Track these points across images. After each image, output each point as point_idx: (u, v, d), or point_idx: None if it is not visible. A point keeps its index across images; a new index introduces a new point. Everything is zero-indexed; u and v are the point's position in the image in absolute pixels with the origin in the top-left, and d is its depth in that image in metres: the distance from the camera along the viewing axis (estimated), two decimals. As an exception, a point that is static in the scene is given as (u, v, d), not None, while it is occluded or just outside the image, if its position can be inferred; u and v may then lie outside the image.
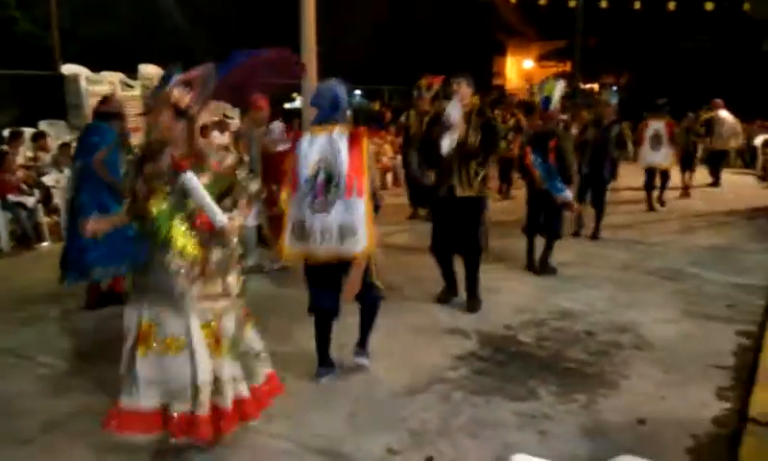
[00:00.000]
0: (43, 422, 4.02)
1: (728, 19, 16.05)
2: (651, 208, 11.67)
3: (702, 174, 14.57)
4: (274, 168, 7.34)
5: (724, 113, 15.05)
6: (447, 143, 5.72)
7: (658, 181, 11.81)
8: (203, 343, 3.36)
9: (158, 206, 3.29)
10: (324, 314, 4.62)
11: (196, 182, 3.27)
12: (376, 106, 19.55)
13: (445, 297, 6.36)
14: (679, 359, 5.01)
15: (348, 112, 4.58)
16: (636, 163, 12.08)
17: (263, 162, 7.30)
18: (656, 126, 11.45)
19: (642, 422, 4.04)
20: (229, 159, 3.49)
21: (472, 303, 6.14)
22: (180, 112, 3.30)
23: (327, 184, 4.24)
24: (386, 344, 5.08)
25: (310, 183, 4.28)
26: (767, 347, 5.03)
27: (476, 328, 5.62)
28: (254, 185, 3.58)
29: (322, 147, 4.29)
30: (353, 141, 4.26)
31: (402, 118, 10.73)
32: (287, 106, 22.20)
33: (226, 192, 3.42)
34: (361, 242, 4.24)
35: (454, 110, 5.71)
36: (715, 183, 15.09)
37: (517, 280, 7.08)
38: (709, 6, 13.75)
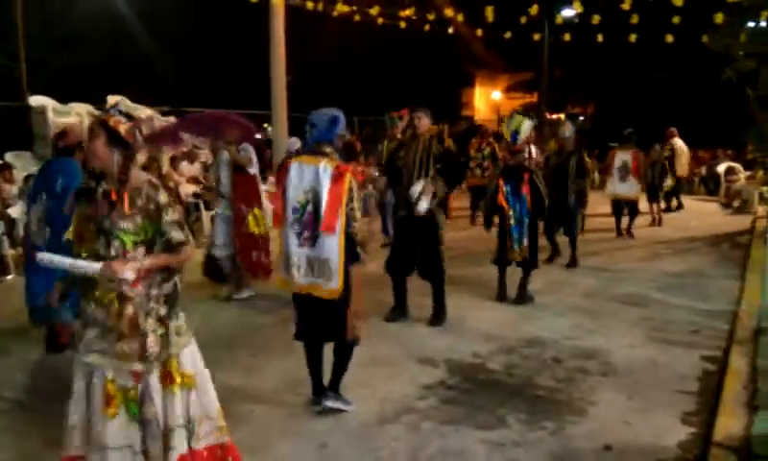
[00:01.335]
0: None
1: (687, 50, 16.47)
2: (619, 234, 11.86)
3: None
4: (243, 189, 7.37)
5: (679, 142, 15.60)
6: (424, 204, 6.14)
7: (626, 210, 12.01)
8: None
9: (89, 251, 3.03)
10: (310, 344, 4.58)
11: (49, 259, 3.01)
12: (347, 136, 19.64)
13: (394, 316, 6.56)
14: (644, 385, 5.07)
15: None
16: (601, 192, 12.29)
17: (234, 183, 7.31)
18: (623, 157, 11.72)
19: (609, 447, 4.07)
20: (161, 198, 3.05)
21: (436, 320, 6.41)
22: (116, 139, 3.00)
23: (315, 217, 4.24)
24: (355, 374, 5.06)
25: (299, 214, 4.29)
26: (731, 372, 5.11)
27: (445, 357, 5.64)
28: (177, 235, 3.05)
29: (310, 178, 4.28)
30: (337, 177, 4.22)
31: (380, 148, 10.78)
32: (258, 136, 22.24)
33: (152, 239, 3.05)
34: (335, 280, 4.24)
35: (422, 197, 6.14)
36: (680, 207, 15.46)
37: (486, 308, 7.14)
38: (669, 38, 14.06)
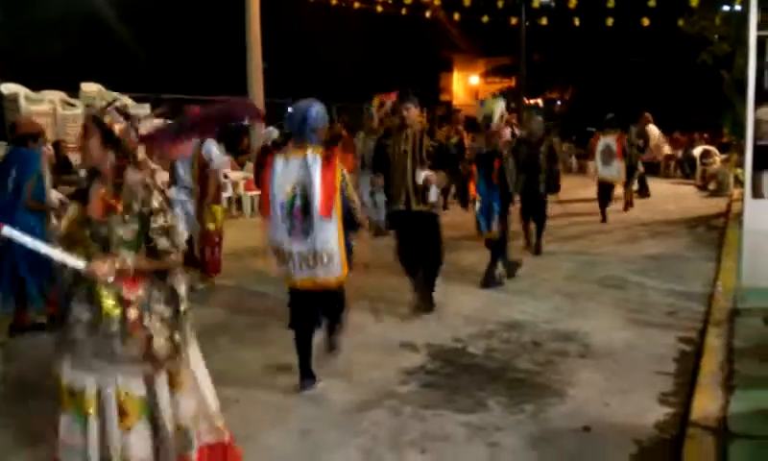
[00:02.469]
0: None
1: (664, 34, 16.60)
2: (604, 220, 11.95)
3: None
4: (203, 184, 7.24)
5: (652, 127, 15.73)
6: (433, 195, 6.08)
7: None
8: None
9: (82, 255, 2.91)
10: (303, 332, 4.62)
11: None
12: (336, 127, 19.55)
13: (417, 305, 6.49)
14: (622, 366, 5.12)
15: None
16: (580, 176, 12.39)
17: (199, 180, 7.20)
18: (607, 141, 11.85)
19: (588, 428, 4.11)
20: (155, 202, 2.96)
21: (423, 305, 6.37)
22: (110, 138, 2.93)
23: (305, 210, 4.22)
24: (336, 360, 5.07)
25: (287, 209, 4.25)
26: (708, 352, 5.17)
27: (426, 342, 5.66)
28: (163, 243, 2.95)
29: (296, 170, 4.24)
30: (326, 163, 4.22)
31: (357, 139, 10.63)
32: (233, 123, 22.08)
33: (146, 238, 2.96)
34: (337, 268, 4.29)
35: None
36: (646, 194, 15.57)
37: (466, 293, 7.16)
38: (646, 21, 14.16)
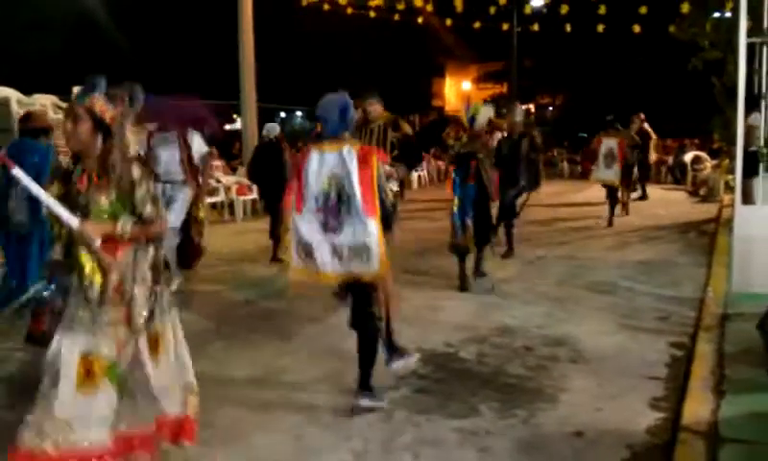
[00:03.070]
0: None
1: (655, 40, 16.70)
2: (611, 224, 12.05)
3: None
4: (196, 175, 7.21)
5: (647, 126, 15.78)
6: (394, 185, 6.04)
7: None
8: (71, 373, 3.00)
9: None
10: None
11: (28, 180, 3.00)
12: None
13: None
14: (614, 371, 5.13)
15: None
16: (571, 181, 12.44)
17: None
18: (609, 144, 11.87)
19: (580, 434, 4.11)
20: (135, 173, 3.07)
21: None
22: (101, 126, 3.04)
23: (339, 203, 4.16)
24: (328, 364, 5.06)
25: (321, 202, 4.20)
26: (699, 357, 5.18)
27: (417, 347, 5.63)
28: (149, 209, 3.06)
29: (332, 164, 4.18)
30: (363, 159, 4.15)
31: None
32: (227, 127, 22.05)
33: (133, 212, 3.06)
34: (374, 264, 4.15)
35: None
36: (644, 197, 15.64)
37: (457, 298, 7.17)
38: (637, 28, 14.24)
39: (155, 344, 3.18)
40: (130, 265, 3.07)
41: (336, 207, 4.17)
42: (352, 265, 4.19)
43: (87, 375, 3.00)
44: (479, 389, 4.81)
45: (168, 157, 7.11)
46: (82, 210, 3.03)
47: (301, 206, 4.27)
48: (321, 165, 4.22)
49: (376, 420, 4.31)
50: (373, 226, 4.11)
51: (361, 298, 4.40)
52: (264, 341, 5.71)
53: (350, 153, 4.15)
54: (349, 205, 4.12)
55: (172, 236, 7.15)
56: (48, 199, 3.00)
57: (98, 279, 3.02)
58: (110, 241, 3.00)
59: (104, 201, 3.03)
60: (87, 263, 3.02)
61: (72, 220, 2.96)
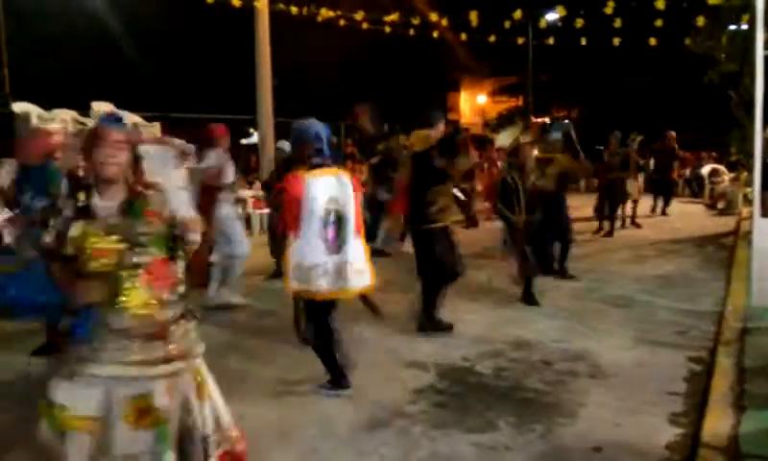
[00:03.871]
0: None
1: (670, 54, 16.66)
2: (635, 224, 13.40)
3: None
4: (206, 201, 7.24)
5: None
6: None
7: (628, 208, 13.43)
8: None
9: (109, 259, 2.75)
10: (327, 340, 4.86)
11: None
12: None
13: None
14: (632, 386, 5.09)
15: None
16: (587, 195, 12.47)
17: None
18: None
19: (598, 449, 4.09)
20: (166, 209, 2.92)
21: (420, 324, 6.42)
22: (138, 160, 2.93)
23: (339, 225, 4.56)
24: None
25: (324, 224, 4.54)
26: (718, 372, 5.14)
27: (434, 361, 5.64)
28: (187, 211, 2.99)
29: (331, 188, 4.56)
30: (355, 185, 4.70)
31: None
32: (244, 141, 22.17)
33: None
34: (368, 277, 4.77)
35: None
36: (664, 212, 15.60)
37: (474, 312, 7.15)
38: (653, 41, 14.21)
39: (200, 388, 2.97)
40: (181, 297, 2.90)
41: (336, 229, 4.58)
42: (352, 282, 4.66)
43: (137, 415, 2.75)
44: (497, 403, 4.79)
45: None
46: (133, 243, 2.79)
47: (299, 230, 4.56)
48: (319, 190, 4.55)
49: (393, 434, 4.31)
50: (360, 244, 4.72)
51: (327, 313, 4.80)
52: (280, 355, 5.73)
53: (346, 179, 4.68)
54: (347, 226, 4.61)
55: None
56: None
57: (156, 314, 2.80)
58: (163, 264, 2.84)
59: (154, 230, 2.85)
60: (146, 300, 2.78)
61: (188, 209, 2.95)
